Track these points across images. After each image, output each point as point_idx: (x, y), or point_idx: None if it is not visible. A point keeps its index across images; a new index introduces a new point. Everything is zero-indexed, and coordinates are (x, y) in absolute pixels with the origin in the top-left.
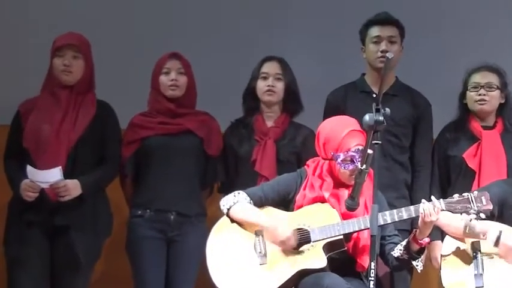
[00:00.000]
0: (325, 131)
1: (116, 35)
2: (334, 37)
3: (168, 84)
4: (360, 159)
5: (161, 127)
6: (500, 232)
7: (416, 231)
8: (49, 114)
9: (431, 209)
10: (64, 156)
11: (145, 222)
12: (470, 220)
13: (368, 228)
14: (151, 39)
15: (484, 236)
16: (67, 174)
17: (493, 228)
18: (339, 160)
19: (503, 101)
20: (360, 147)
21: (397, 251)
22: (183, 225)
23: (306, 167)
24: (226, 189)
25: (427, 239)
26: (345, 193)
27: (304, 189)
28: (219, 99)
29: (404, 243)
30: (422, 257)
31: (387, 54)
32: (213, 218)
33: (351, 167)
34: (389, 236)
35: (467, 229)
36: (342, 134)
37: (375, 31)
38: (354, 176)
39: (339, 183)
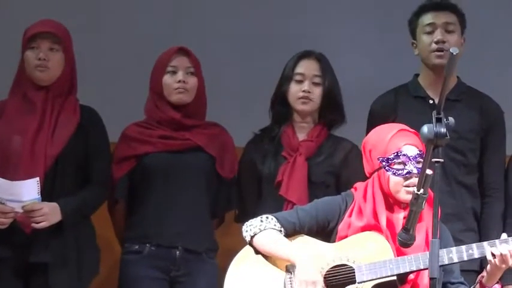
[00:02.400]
0: (371, 137)
1: (102, 26)
2: (389, 30)
3: (174, 86)
4: (416, 164)
5: (163, 142)
6: None
7: (483, 275)
8: (20, 123)
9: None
10: (40, 175)
11: (144, 260)
12: None
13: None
14: (153, 33)
15: None
16: (44, 198)
17: None
18: (387, 165)
19: None
20: (415, 149)
21: None
22: (190, 263)
23: (353, 190)
24: (245, 218)
25: (497, 286)
26: (400, 217)
27: (350, 216)
28: (229, 106)
29: None
30: None
31: (451, 50)
32: (225, 254)
33: (404, 172)
34: (452, 283)
35: None
36: (390, 135)
37: (427, 18)
38: (409, 189)
39: (392, 204)
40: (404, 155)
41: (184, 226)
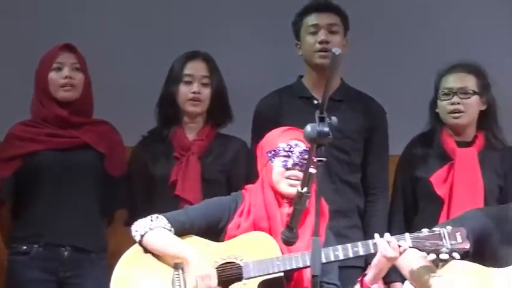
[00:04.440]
0: (265, 138)
1: None
2: (273, 32)
3: (60, 83)
4: (301, 158)
5: (51, 140)
6: None
7: (365, 274)
8: None
9: (389, 245)
10: None
11: (32, 261)
12: None
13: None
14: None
15: None
16: None
17: None
18: (272, 157)
19: (484, 108)
20: (300, 144)
21: None
22: (79, 264)
23: (244, 190)
24: (135, 220)
25: (376, 286)
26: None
27: (240, 215)
28: (118, 106)
29: None
30: None
31: (333, 50)
32: (114, 254)
33: (286, 163)
34: (327, 283)
35: None
36: (280, 131)
37: (311, 19)
38: (290, 182)
39: (280, 201)
40: (289, 146)
41: (72, 224)
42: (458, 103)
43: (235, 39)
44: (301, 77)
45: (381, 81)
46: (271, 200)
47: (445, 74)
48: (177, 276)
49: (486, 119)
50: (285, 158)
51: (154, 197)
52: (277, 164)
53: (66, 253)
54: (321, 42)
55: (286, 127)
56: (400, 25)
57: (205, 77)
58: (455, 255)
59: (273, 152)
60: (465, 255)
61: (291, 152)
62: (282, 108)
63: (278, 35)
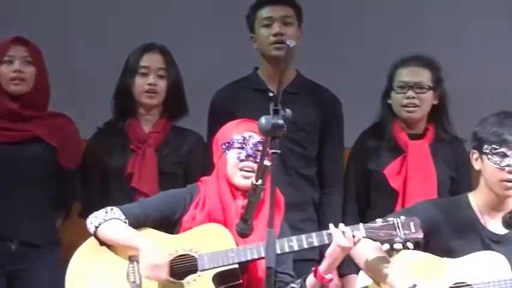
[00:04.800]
0: (220, 130)
1: None
2: (227, 24)
3: (10, 76)
4: (254, 150)
5: (1, 134)
6: (414, 286)
7: (319, 264)
8: None
9: (344, 235)
10: None
11: None
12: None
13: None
14: None
15: None
16: None
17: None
18: (226, 149)
19: (436, 102)
20: (254, 135)
21: None
22: (29, 258)
23: (199, 183)
24: (90, 213)
25: (330, 276)
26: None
27: (195, 208)
28: (76, 99)
29: (299, 281)
30: None
31: (288, 42)
32: (70, 248)
33: (241, 154)
34: (281, 272)
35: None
36: (233, 124)
37: (265, 12)
38: (245, 174)
39: (235, 193)
40: (243, 138)
41: (20, 218)
42: (414, 97)
43: (189, 31)
44: (256, 69)
45: (336, 72)
46: (226, 192)
47: (400, 66)
48: (132, 268)
49: (438, 113)
50: (239, 149)
51: (110, 189)
52: (231, 156)
53: (13, 247)
54: (275, 35)
55: (241, 119)
56: (353, 16)
57: (161, 69)
58: (409, 244)
59: (227, 144)
60: (417, 246)
61: (244, 143)
62: (238, 100)
63: (232, 27)
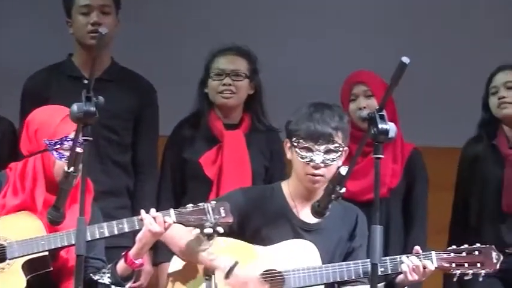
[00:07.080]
0: (38, 117)
1: None
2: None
3: None
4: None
5: None
6: (236, 263)
7: (129, 249)
8: None
9: (155, 221)
10: None
11: None
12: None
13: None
14: None
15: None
16: None
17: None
18: (53, 149)
19: (251, 92)
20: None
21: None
22: None
23: (7, 170)
24: None
25: (140, 260)
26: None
27: (4, 196)
28: None
29: (110, 265)
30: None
31: (100, 29)
32: None
33: (65, 156)
34: (92, 258)
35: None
36: (58, 119)
37: (83, 0)
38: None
39: (54, 187)
40: (71, 140)
41: None
42: (230, 84)
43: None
44: (70, 55)
45: (153, 60)
46: (41, 185)
47: (217, 55)
48: None
49: (253, 102)
50: (66, 151)
51: None
52: (60, 156)
53: None
54: (93, 24)
55: (65, 113)
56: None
57: None
58: (219, 229)
59: (54, 144)
60: (230, 232)
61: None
62: (51, 86)
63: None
